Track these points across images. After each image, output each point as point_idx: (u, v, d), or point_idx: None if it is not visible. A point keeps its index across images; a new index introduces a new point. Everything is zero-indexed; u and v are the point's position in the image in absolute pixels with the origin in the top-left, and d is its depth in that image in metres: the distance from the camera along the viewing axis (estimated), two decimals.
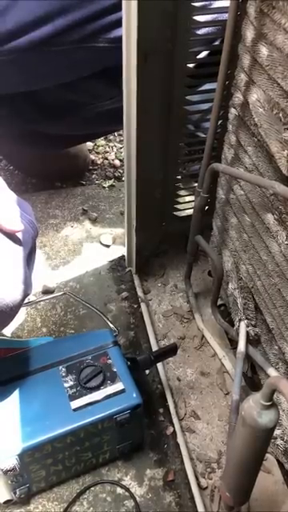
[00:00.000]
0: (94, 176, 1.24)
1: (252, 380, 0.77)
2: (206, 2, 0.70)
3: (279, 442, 0.65)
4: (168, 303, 0.91)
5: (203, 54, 0.77)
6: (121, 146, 1.34)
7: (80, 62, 0.85)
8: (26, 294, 0.57)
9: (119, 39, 0.65)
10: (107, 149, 1.33)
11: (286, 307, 0.60)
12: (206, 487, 0.68)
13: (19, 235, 0.58)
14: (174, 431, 0.73)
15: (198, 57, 0.76)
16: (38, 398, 0.64)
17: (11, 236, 0.57)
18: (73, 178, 1.21)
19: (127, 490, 0.68)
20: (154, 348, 0.83)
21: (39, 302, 0.89)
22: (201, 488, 0.68)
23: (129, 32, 0.63)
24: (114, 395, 0.64)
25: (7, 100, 0.92)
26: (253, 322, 0.70)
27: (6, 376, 0.66)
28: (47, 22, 0.77)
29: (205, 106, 0.80)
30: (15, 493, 0.64)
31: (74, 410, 0.63)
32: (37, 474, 0.63)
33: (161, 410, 0.76)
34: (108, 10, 0.79)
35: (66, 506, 0.66)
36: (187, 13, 0.67)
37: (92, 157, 1.29)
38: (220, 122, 0.72)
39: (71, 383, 0.65)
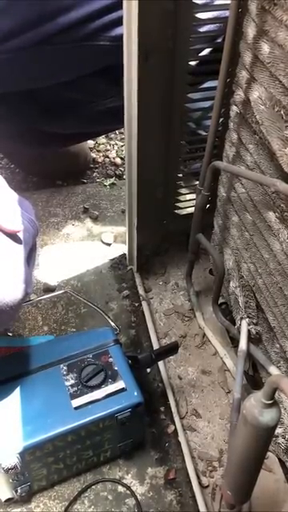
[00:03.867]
0: (95, 174, 1.24)
1: (253, 378, 0.77)
2: (208, 0, 0.70)
3: (281, 440, 0.65)
4: (169, 301, 0.91)
5: (206, 51, 0.77)
6: (122, 144, 1.34)
7: (81, 60, 0.85)
8: (26, 294, 0.57)
9: (120, 38, 0.65)
10: (108, 147, 1.33)
11: None
12: (208, 486, 0.68)
13: (20, 234, 0.58)
14: (175, 430, 0.73)
15: (200, 54, 0.76)
16: (39, 396, 0.64)
17: (12, 235, 0.57)
18: (74, 177, 1.21)
19: (128, 488, 0.68)
20: (155, 346, 0.82)
21: (40, 300, 0.89)
22: (202, 486, 0.68)
23: (129, 30, 0.63)
24: (115, 394, 0.64)
25: (8, 98, 0.92)
26: (254, 321, 0.70)
27: (7, 374, 0.66)
28: (48, 20, 0.77)
29: (206, 104, 0.79)
30: (16, 491, 0.64)
31: (75, 408, 0.63)
32: (38, 472, 0.63)
33: (162, 409, 0.76)
34: (109, 9, 0.79)
35: (67, 504, 0.66)
36: (188, 10, 0.67)
37: (93, 155, 1.29)
38: (221, 119, 0.72)
39: (72, 382, 0.65)
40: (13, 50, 0.78)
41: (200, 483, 0.68)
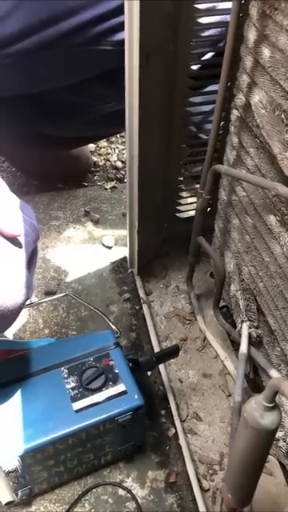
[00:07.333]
0: (96, 177, 1.24)
1: (254, 382, 0.77)
2: (209, 5, 0.70)
3: (281, 443, 0.65)
4: (170, 305, 0.91)
5: (209, 55, 0.77)
6: (123, 147, 1.34)
7: (83, 64, 0.85)
8: (26, 298, 0.57)
9: (123, 42, 0.65)
10: (109, 150, 1.33)
11: None
12: (208, 489, 0.68)
13: (20, 238, 0.58)
14: (176, 433, 0.73)
15: (203, 58, 0.76)
16: (40, 399, 0.64)
17: (12, 239, 0.57)
18: (75, 180, 1.21)
19: (129, 491, 0.68)
20: (156, 349, 0.82)
21: (41, 303, 0.89)
22: (203, 490, 0.68)
23: (131, 33, 0.63)
24: (116, 397, 0.64)
25: (10, 101, 0.92)
26: (255, 324, 0.70)
27: (8, 377, 0.66)
28: (51, 25, 0.78)
29: (207, 108, 0.80)
30: (17, 494, 0.63)
31: (76, 411, 0.63)
32: (38, 475, 0.63)
33: (163, 412, 0.76)
34: (111, 14, 0.79)
35: (68, 507, 0.66)
36: (189, 14, 0.67)
37: (94, 158, 1.29)
38: (222, 123, 0.72)
39: (73, 384, 0.65)
40: (16, 54, 0.78)
41: (201, 486, 0.68)
